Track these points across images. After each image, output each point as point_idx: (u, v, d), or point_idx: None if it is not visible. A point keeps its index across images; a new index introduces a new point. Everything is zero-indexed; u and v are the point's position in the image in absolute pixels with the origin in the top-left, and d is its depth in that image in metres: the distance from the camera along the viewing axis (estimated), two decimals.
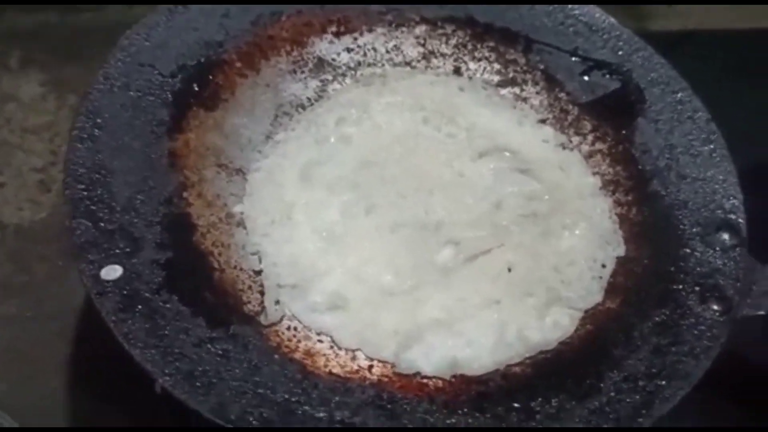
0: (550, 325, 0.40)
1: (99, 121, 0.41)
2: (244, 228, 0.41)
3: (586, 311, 0.41)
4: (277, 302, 0.38)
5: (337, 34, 0.50)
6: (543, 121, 0.49)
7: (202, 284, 0.38)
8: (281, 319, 0.38)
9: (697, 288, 0.41)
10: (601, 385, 0.36)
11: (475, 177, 0.46)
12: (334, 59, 0.49)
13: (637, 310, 0.40)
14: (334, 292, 0.39)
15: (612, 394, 0.36)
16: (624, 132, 0.48)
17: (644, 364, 0.37)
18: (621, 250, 0.44)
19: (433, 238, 0.42)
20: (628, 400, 0.36)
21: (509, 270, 0.41)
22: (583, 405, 0.35)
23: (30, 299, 0.52)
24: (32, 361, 0.50)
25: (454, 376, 0.37)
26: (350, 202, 0.43)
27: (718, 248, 0.42)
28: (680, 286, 0.41)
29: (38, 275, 0.54)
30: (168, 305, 0.36)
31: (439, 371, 0.37)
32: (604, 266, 0.43)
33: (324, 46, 0.49)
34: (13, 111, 0.63)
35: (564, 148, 0.48)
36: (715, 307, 0.40)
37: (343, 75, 0.49)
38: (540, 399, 0.36)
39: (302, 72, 0.48)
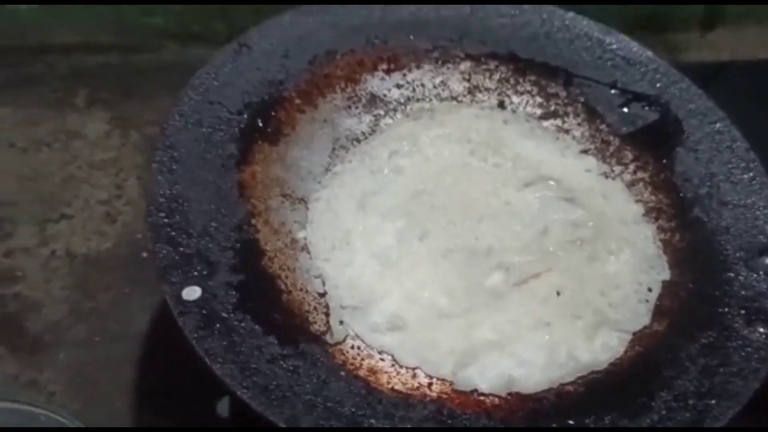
0: (599, 346, 0.41)
1: (175, 154, 0.45)
2: (308, 253, 0.44)
3: (634, 333, 0.43)
4: (341, 322, 0.41)
5: (388, 71, 0.53)
6: (585, 152, 0.52)
7: (271, 305, 0.41)
8: (345, 339, 0.40)
9: (742, 311, 0.42)
10: (652, 403, 0.38)
11: (521, 205, 0.48)
12: (385, 95, 0.52)
13: (684, 333, 0.42)
14: (393, 313, 0.41)
15: (663, 412, 0.38)
16: (664, 161, 0.50)
17: (693, 384, 0.39)
18: (666, 275, 0.45)
19: (484, 263, 0.44)
20: (678, 418, 0.37)
21: (558, 293, 0.43)
22: (636, 422, 0.37)
23: (96, 325, 0.55)
24: (99, 383, 0.52)
25: (509, 394, 0.39)
26: (404, 229, 0.45)
27: (761, 272, 0.44)
28: (725, 309, 0.42)
29: (104, 302, 0.57)
30: (242, 324, 0.39)
31: (495, 389, 0.39)
32: (650, 290, 0.44)
33: (376, 83, 0.53)
34: (80, 148, 0.67)
35: (606, 177, 0.50)
36: (762, 330, 0.41)
37: (394, 110, 0.52)
38: (593, 417, 0.37)
39: (356, 107, 0.52)
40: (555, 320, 0.42)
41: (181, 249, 0.41)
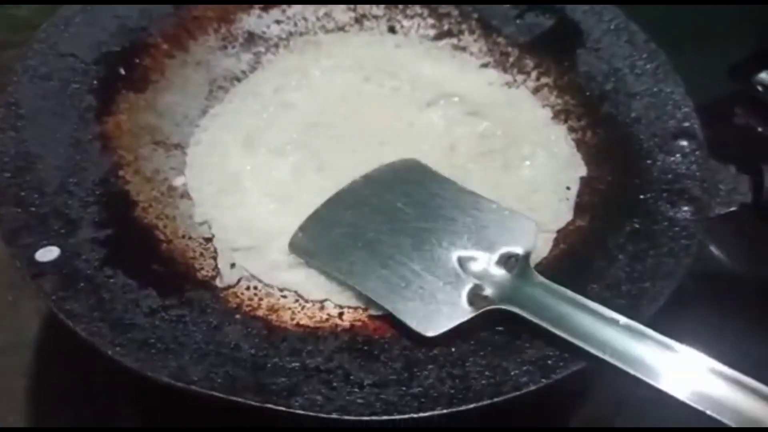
0: None
1: (21, 111, 0.39)
2: (189, 199, 0.39)
3: (558, 232, 0.39)
4: (233, 265, 0.36)
5: (265, 8, 0.49)
6: (485, 66, 0.49)
7: (148, 256, 0.35)
8: (239, 281, 0.35)
9: (665, 194, 0.40)
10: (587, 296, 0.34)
11: (425, 124, 0.44)
12: (264, 32, 0.48)
13: (609, 224, 0.39)
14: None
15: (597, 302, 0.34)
16: (566, 64, 0.47)
17: (624, 270, 0.36)
18: (583, 171, 0.43)
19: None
20: (614, 305, 0.33)
21: None
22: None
23: None
24: None
25: None
26: (299, 163, 0.41)
27: (678, 155, 0.42)
28: (648, 195, 0.40)
29: None
30: (112, 280, 0.33)
31: None
32: (568, 188, 0.42)
33: (253, 21, 0.48)
34: None
35: (510, 87, 0.47)
36: (686, 208, 0.39)
37: (276, 46, 0.48)
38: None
39: (233, 47, 0.47)
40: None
41: (33, 209, 0.35)
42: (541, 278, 0.34)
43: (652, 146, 0.42)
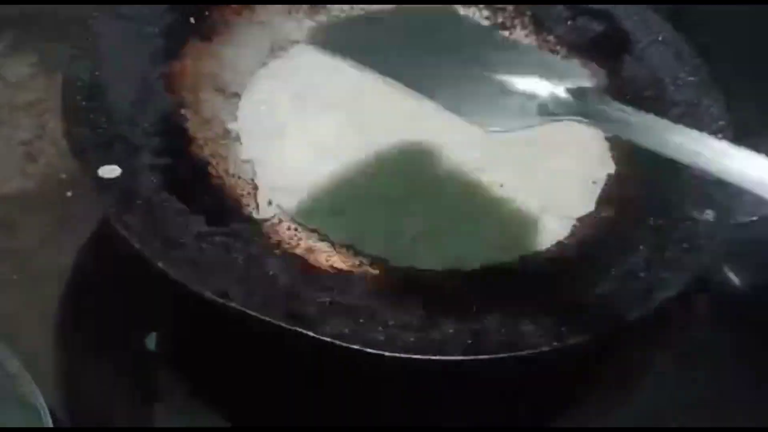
0: (540, 230, 0.40)
1: (99, 44, 0.42)
2: (241, 143, 0.41)
3: (578, 219, 0.41)
4: (270, 202, 0.39)
5: None
6: None
7: (200, 188, 0.38)
8: (277, 219, 0.38)
9: (690, 197, 0.41)
10: (603, 276, 0.36)
11: None
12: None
13: (632, 217, 0.41)
14: (327, 195, 0.40)
15: (615, 285, 0.36)
16: (610, 67, 0.49)
17: (643, 259, 0.38)
18: (611, 169, 0.44)
19: (427, 156, 0.42)
20: (631, 288, 0.35)
21: (501, 185, 0.42)
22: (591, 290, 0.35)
23: (19, 264, 0.51)
24: (21, 321, 0.48)
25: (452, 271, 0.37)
26: (343, 121, 0.43)
27: None
28: (673, 196, 0.42)
29: (27, 242, 0.52)
30: (166, 203, 0.36)
31: (433, 266, 0.37)
32: (595, 183, 0.43)
33: None
34: (1, 90, 0.62)
35: None
36: (709, 212, 0.40)
37: (337, 17, 0.50)
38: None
39: (297, 13, 0.49)
40: (496, 207, 0.41)
41: (100, 131, 0.38)
42: (610, 99, 0.33)
43: None
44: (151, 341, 0.45)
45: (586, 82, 0.34)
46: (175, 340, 0.44)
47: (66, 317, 0.48)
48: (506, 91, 0.33)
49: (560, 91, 0.33)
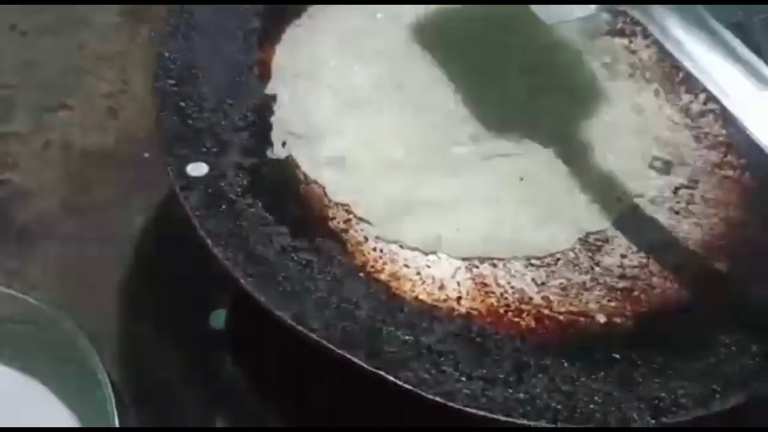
0: (546, 235, 0.37)
1: (193, 21, 0.40)
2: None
3: (588, 233, 0.38)
4: (284, 144, 0.38)
5: None
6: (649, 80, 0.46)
7: (286, 194, 0.36)
8: (363, 238, 0.36)
9: None
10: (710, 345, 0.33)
11: None
12: None
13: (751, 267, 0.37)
14: (340, 150, 0.38)
15: (721, 356, 0.33)
16: None
17: (759, 328, 0.34)
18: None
19: (457, 129, 0.40)
20: (738, 363, 0.32)
21: (521, 179, 0.39)
22: (691, 364, 0.32)
23: (89, 222, 0.50)
24: (87, 281, 0.48)
25: (540, 316, 0.34)
26: (381, 75, 0.41)
27: None
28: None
29: (100, 198, 0.52)
30: (252, 209, 0.34)
31: (420, 244, 0.36)
32: (620, 201, 0.39)
33: None
34: (87, 38, 0.61)
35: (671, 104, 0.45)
36: None
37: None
38: (644, 352, 0.33)
39: None
40: (508, 200, 0.38)
41: (190, 122, 0.36)
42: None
43: None
44: (218, 319, 0.45)
45: None
46: (242, 321, 0.43)
47: (131, 284, 0.48)
48: None
49: None
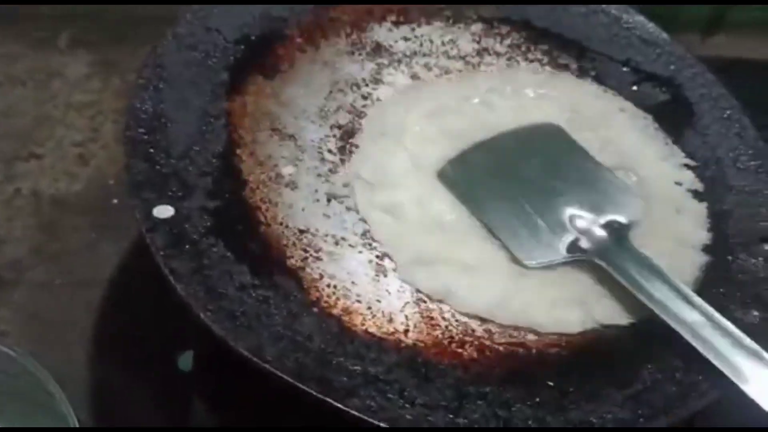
0: (556, 317, 0.38)
1: (164, 74, 0.43)
2: (292, 189, 0.42)
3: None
4: (346, 185, 0.42)
5: (396, 23, 0.51)
6: None
7: (247, 235, 0.38)
8: (318, 275, 0.38)
9: (738, 294, 0.40)
10: (637, 374, 0.36)
11: None
12: (391, 46, 0.50)
13: None
14: (395, 200, 0.42)
15: (648, 384, 0.35)
16: (671, 140, 0.48)
17: (682, 358, 0.37)
18: None
19: None
20: (662, 391, 0.35)
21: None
22: (620, 391, 0.35)
23: (59, 268, 0.51)
24: (56, 327, 0.48)
25: (482, 348, 0.36)
26: (454, 150, 0.45)
27: (761, 258, 0.42)
28: (721, 290, 0.41)
29: (70, 245, 0.53)
30: (214, 249, 0.37)
31: (429, 291, 0.38)
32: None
33: (383, 33, 0.51)
34: (58, 88, 0.63)
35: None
36: (756, 313, 0.39)
37: (399, 62, 0.50)
38: (576, 380, 0.35)
39: (360, 54, 0.50)
40: (533, 276, 0.40)
41: (158, 168, 0.39)
42: (635, 248, 0.39)
43: (735, 244, 0.43)
44: (185, 361, 0.46)
45: (628, 217, 0.41)
46: (209, 362, 0.44)
47: (101, 328, 0.49)
48: (546, 231, 0.40)
49: (597, 228, 0.41)
